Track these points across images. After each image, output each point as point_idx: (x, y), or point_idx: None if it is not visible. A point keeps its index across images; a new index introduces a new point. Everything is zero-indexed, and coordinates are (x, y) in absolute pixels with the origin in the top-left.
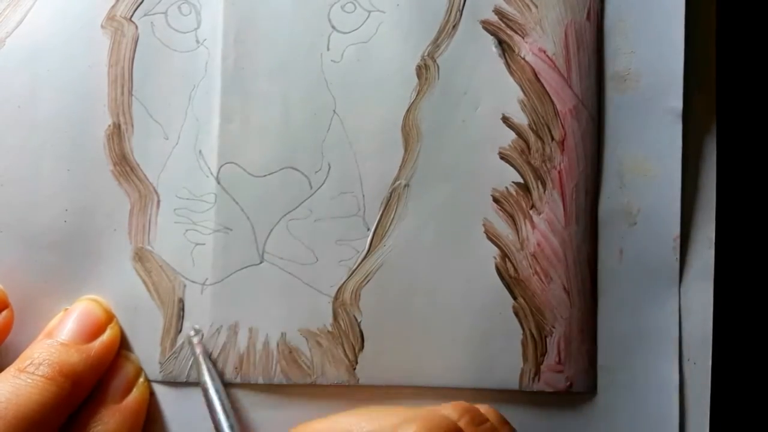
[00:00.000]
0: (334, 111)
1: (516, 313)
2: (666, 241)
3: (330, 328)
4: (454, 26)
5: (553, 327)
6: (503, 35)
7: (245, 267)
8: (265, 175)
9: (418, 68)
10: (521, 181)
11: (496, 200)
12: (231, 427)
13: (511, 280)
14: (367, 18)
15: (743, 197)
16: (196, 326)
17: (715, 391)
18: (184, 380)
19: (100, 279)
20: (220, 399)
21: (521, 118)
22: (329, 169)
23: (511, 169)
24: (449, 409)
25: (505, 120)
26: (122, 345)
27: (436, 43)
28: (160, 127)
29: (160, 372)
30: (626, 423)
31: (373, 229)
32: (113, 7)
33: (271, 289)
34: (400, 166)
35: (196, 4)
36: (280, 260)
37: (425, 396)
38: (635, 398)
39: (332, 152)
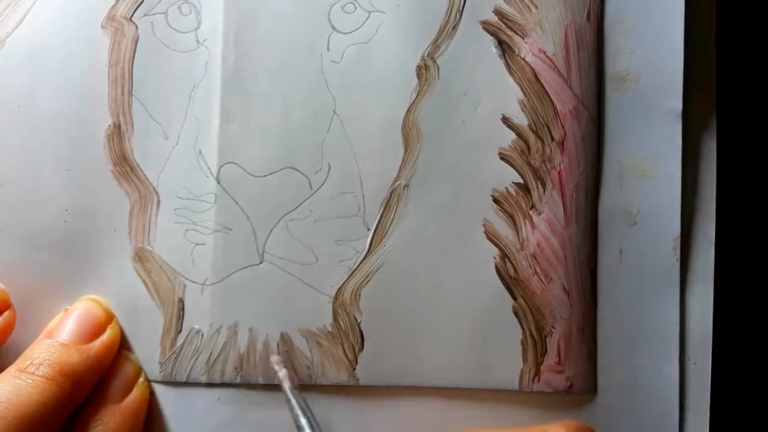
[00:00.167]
0: (334, 111)
1: (516, 314)
2: (666, 241)
3: (330, 329)
4: (454, 27)
5: (553, 327)
6: (503, 36)
7: (245, 267)
8: (265, 175)
9: (418, 69)
10: (521, 181)
11: (496, 200)
12: None
13: (511, 281)
14: (367, 18)
15: (743, 197)
16: (276, 359)
17: (716, 391)
18: (184, 380)
19: (100, 279)
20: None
21: (521, 119)
22: (329, 169)
23: (511, 169)
24: (559, 428)
25: (505, 120)
26: (122, 345)
27: (436, 44)
28: (160, 127)
29: (160, 372)
30: (626, 423)
31: (373, 230)
32: (113, 7)
33: (271, 289)
34: (400, 167)
35: (196, 4)
36: (280, 260)
37: (425, 396)
38: (635, 398)
39: (332, 152)
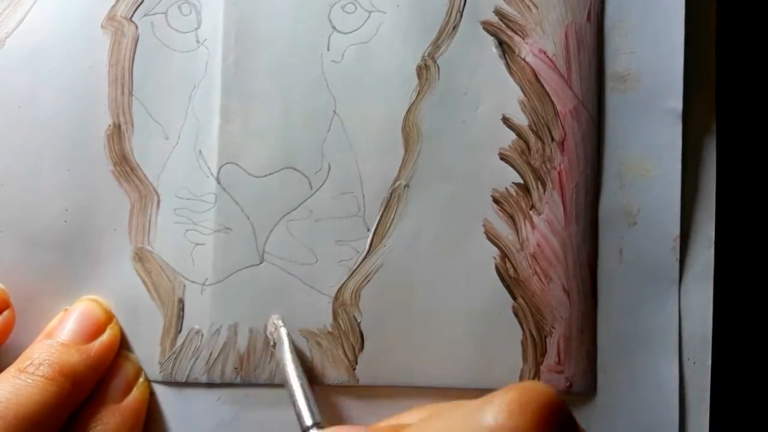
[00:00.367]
0: (334, 111)
1: (516, 314)
2: (666, 241)
3: (330, 329)
4: (454, 27)
5: (553, 327)
6: (503, 36)
7: (245, 267)
8: (265, 176)
9: (419, 69)
10: (521, 181)
11: (496, 201)
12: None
13: (510, 281)
14: (367, 18)
15: (743, 197)
16: (276, 317)
17: (715, 390)
18: (184, 380)
19: (100, 279)
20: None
21: (521, 119)
22: (329, 169)
23: (511, 169)
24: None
25: (506, 120)
26: (122, 345)
27: (436, 44)
28: (160, 127)
29: (160, 372)
30: (626, 423)
31: (373, 230)
32: (113, 7)
33: (271, 290)
34: (401, 167)
35: (197, 4)
36: (280, 260)
37: (425, 396)
38: (635, 398)
39: (332, 152)
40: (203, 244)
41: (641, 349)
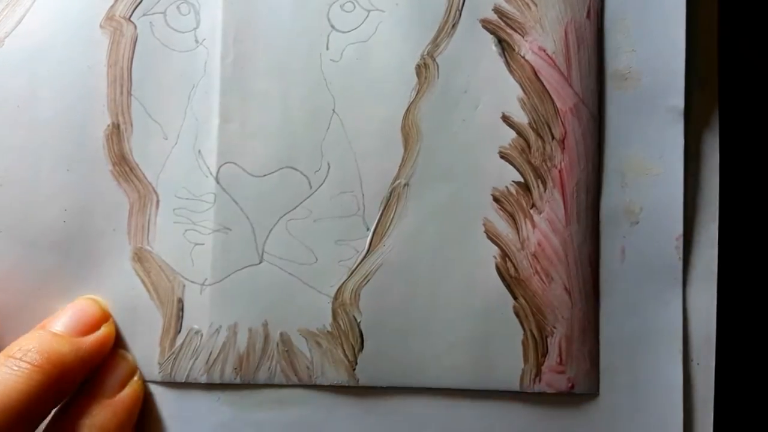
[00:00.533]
0: (333, 110)
1: (516, 313)
2: (668, 240)
3: (329, 329)
4: (453, 25)
5: (554, 327)
6: (503, 34)
7: (245, 267)
8: (264, 175)
9: (418, 67)
10: (522, 180)
11: (496, 199)
12: None
13: (511, 280)
14: (366, 17)
15: (746, 196)
16: None
17: (720, 391)
18: (183, 380)
19: (100, 279)
20: None
21: (521, 117)
22: (329, 168)
23: (512, 168)
24: None
25: (505, 119)
26: (121, 345)
27: (435, 42)
28: (159, 127)
29: (159, 372)
30: (629, 424)
31: (372, 229)
32: (112, 7)
33: (271, 289)
34: (400, 166)
35: (195, 3)
36: (279, 260)
37: (425, 396)
38: (638, 399)
39: (332, 152)
40: (202, 244)
41: (644, 349)
